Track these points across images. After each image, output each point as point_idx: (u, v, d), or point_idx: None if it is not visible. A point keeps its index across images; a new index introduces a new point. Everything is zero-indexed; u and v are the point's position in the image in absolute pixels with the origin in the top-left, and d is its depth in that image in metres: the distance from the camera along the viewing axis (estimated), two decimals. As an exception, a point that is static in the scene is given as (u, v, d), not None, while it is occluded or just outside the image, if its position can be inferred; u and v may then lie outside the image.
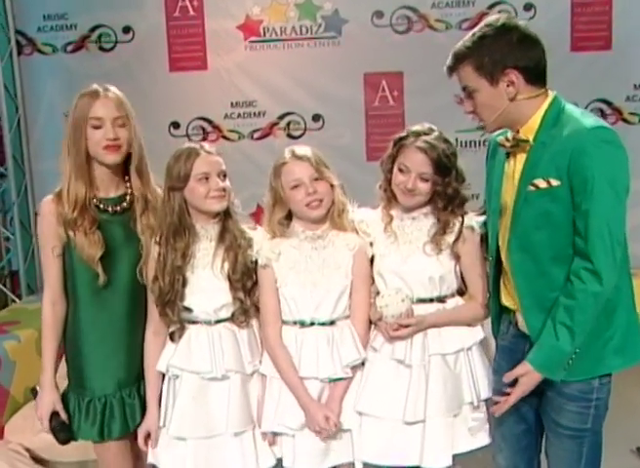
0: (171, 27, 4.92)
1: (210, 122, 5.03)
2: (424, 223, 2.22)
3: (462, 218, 2.19)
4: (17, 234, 5.03)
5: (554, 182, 1.88)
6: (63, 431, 2.24)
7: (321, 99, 4.93)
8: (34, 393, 2.29)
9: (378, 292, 2.21)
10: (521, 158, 1.98)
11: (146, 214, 2.25)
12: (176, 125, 5.01)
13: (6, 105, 4.89)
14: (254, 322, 2.26)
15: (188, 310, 2.21)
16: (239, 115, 5.00)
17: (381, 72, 4.89)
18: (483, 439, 2.24)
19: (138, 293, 2.25)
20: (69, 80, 4.70)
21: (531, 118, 1.94)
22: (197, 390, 2.20)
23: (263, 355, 2.25)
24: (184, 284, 2.19)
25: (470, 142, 4.74)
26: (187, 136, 4.97)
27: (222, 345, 2.19)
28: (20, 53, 4.99)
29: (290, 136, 4.99)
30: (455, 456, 2.20)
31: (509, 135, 2.00)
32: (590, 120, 1.90)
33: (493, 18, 1.97)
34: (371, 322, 2.24)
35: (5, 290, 5.13)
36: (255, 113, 4.99)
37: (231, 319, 2.22)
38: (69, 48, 4.99)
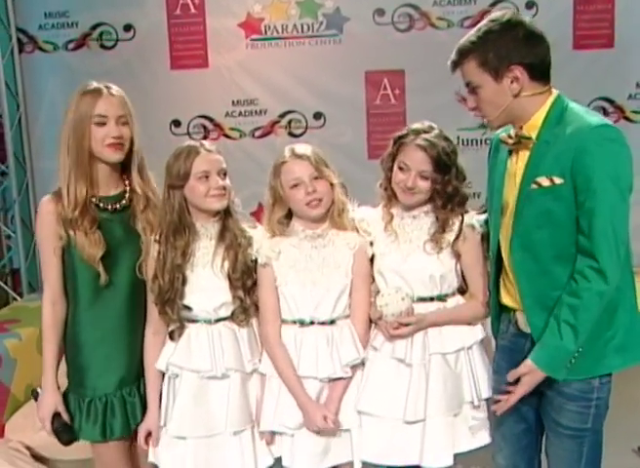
0: (172, 25, 4.91)
1: (211, 120, 5.02)
2: (425, 222, 2.21)
3: (462, 217, 2.19)
4: (18, 232, 5.03)
5: (557, 180, 1.87)
6: (66, 432, 2.23)
7: (322, 98, 4.92)
8: (35, 395, 2.28)
9: (378, 291, 2.21)
10: (523, 156, 1.97)
11: (147, 211, 2.24)
12: (177, 123, 5.01)
13: (7, 103, 4.89)
14: (253, 321, 2.26)
15: (188, 309, 2.20)
16: (240, 113, 5.00)
17: (383, 70, 4.87)
18: (484, 438, 2.23)
19: (138, 292, 2.24)
20: (70, 78, 4.69)
21: (534, 115, 1.93)
22: (197, 389, 2.20)
23: (263, 354, 2.25)
24: (184, 282, 2.19)
25: (472, 141, 4.74)
26: (188, 134, 4.97)
27: (222, 344, 2.19)
28: (21, 50, 4.99)
29: (291, 134, 4.98)
30: (455, 456, 2.20)
31: (512, 132, 1.99)
32: (594, 118, 1.89)
33: (498, 13, 1.95)
34: (371, 321, 2.23)
35: (6, 288, 5.13)
36: (256, 111, 4.99)
37: (231, 318, 2.22)
38: (70, 46, 4.99)
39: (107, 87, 2.19)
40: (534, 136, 1.93)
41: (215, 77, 4.95)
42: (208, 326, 2.21)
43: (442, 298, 2.21)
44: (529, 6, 4.68)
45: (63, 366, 2.32)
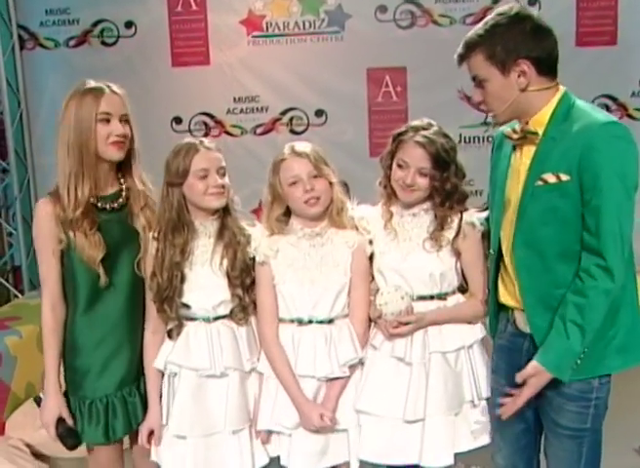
0: (173, 22, 4.90)
1: (212, 117, 5.01)
2: (424, 220, 2.20)
3: (461, 214, 2.17)
4: (19, 229, 5.03)
5: (564, 177, 1.86)
6: (71, 437, 2.20)
7: (324, 95, 4.90)
8: (38, 400, 2.25)
9: (377, 290, 2.20)
10: (528, 152, 1.96)
11: (145, 209, 2.23)
12: (178, 120, 5.00)
13: (8, 100, 4.88)
14: (252, 319, 2.25)
15: (186, 307, 2.19)
16: (242, 110, 4.99)
17: (385, 67, 4.86)
18: (484, 438, 2.22)
19: (137, 292, 2.23)
20: (72, 75, 4.67)
21: (540, 110, 1.92)
22: (195, 387, 2.19)
23: (261, 353, 2.24)
24: (183, 280, 2.18)
25: (474, 138, 4.73)
26: (190, 131, 4.96)
27: (221, 342, 2.18)
28: (22, 47, 4.98)
29: (292, 131, 4.97)
30: (456, 455, 2.19)
31: (517, 126, 1.98)
32: (601, 115, 1.88)
33: (506, 7, 1.94)
34: (371, 320, 2.22)
35: (7, 285, 5.13)
36: (257, 108, 4.97)
37: (230, 316, 2.21)
38: (72, 42, 4.98)
39: (108, 85, 2.17)
40: (540, 131, 1.92)
41: (216, 74, 4.94)
42: (206, 324, 2.20)
43: (442, 297, 2.20)
44: (532, 2, 4.67)
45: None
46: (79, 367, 2.23)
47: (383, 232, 2.22)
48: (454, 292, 2.23)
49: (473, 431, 2.21)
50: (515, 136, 1.98)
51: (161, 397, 2.25)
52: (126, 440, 2.35)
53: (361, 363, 2.21)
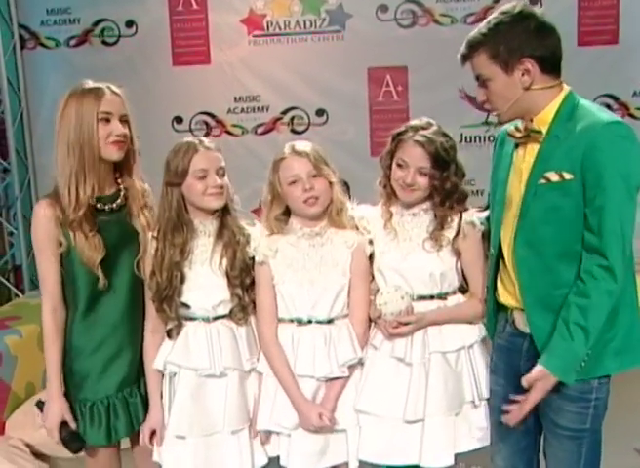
0: (174, 21, 4.90)
1: (213, 117, 5.00)
2: (424, 219, 2.20)
3: (461, 214, 2.16)
4: (20, 229, 5.02)
5: (567, 176, 1.85)
6: (75, 440, 2.19)
7: (325, 94, 4.89)
8: (40, 405, 2.23)
9: (377, 290, 2.19)
10: (531, 150, 1.95)
11: (144, 209, 2.23)
12: (179, 119, 4.99)
13: (9, 99, 4.87)
14: (252, 319, 2.24)
15: (186, 306, 2.19)
16: (242, 110, 4.98)
17: (386, 67, 4.84)
18: (485, 438, 2.21)
19: (137, 293, 2.23)
20: (72, 74, 4.66)
21: (544, 109, 1.91)
22: (195, 387, 2.18)
23: (261, 353, 2.23)
24: (182, 280, 2.17)
25: (475, 138, 4.72)
26: (191, 130, 4.95)
27: (221, 342, 2.17)
28: (23, 47, 4.97)
29: (294, 131, 4.96)
30: (456, 456, 2.18)
31: (520, 125, 1.97)
32: (606, 115, 1.88)
33: (509, 5, 1.93)
34: (371, 320, 2.21)
35: (8, 284, 5.13)
36: (258, 108, 4.97)
37: (229, 316, 2.20)
38: (72, 42, 4.98)
39: (108, 86, 2.16)
40: (544, 130, 1.91)
41: (217, 73, 4.93)
42: (206, 324, 2.19)
43: (442, 297, 2.19)
44: (533, 1, 4.65)
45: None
46: (80, 369, 2.21)
47: (383, 232, 2.21)
48: (454, 293, 2.22)
49: (474, 431, 2.20)
50: (518, 135, 1.97)
51: (162, 397, 2.24)
52: (125, 440, 2.34)
53: (361, 363, 2.20)
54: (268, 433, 2.22)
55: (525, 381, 1.90)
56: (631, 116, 4.77)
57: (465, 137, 4.64)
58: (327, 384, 2.18)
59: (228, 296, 2.18)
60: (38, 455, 3.47)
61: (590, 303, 1.83)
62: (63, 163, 2.12)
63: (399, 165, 2.15)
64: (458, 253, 2.19)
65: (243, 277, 2.19)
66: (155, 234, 2.19)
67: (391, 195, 2.22)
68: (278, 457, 2.23)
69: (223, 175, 2.18)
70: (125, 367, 2.23)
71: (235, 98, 4.96)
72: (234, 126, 5.00)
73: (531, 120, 1.93)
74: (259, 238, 2.21)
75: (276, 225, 2.21)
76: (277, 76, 4.90)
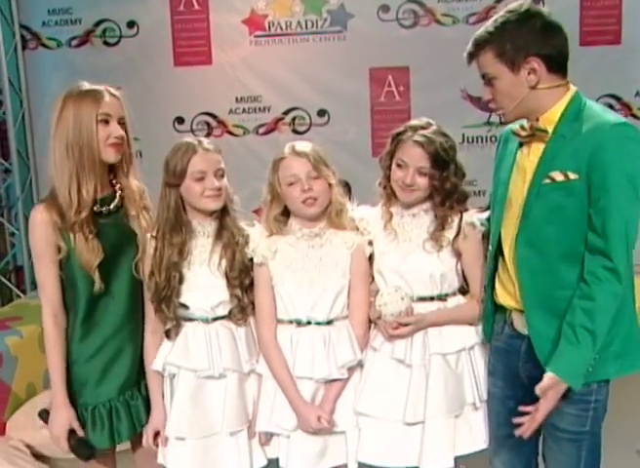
0: (175, 22, 4.90)
1: (215, 117, 5.00)
2: (424, 220, 2.19)
3: (461, 214, 2.15)
4: (21, 229, 5.01)
5: (572, 176, 1.84)
6: (84, 448, 2.16)
7: (326, 95, 4.89)
8: (44, 416, 2.19)
9: (377, 291, 2.18)
10: (536, 150, 1.94)
11: (142, 210, 2.22)
12: (180, 120, 4.99)
13: (10, 100, 4.87)
14: (251, 320, 2.23)
15: (185, 307, 2.18)
16: (244, 110, 4.98)
17: (387, 67, 4.84)
18: (485, 441, 2.20)
19: (137, 295, 2.21)
20: (74, 75, 4.64)
21: (550, 109, 1.90)
22: (194, 388, 2.18)
23: (260, 354, 2.22)
24: (181, 280, 2.16)
25: (476, 138, 4.71)
26: (192, 131, 4.95)
27: (220, 343, 2.17)
28: (24, 47, 4.98)
29: (295, 131, 4.95)
30: (456, 458, 2.17)
31: (526, 124, 1.96)
32: (612, 116, 1.87)
33: (516, 3, 1.92)
34: (370, 321, 2.20)
35: (10, 285, 5.13)
36: (260, 108, 4.96)
37: (229, 317, 2.20)
38: (74, 42, 4.98)
39: (106, 88, 2.15)
40: (550, 129, 1.90)
41: (218, 74, 4.93)
42: (205, 324, 2.19)
43: (442, 298, 2.18)
44: (535, 1, 4.63)
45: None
46: (81, 374, 2.20)
47: (383, 233, 2.21)
48: (454, 294, 2.21)
49: (474, 434, 2.19)
50: (524, 133, 1.96)
51: (163, 397, 2.23)
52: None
53: (360, 365, 2.19)
54: (269, 435, 2.21)
55: (539, 390, 1.86)
56: (634, 116, 4.76)
57: (467, 138, 4.64)
58: (326, 386, 2.17)
59: (227, 297, 2.18)
60: (38, 456, 3.46)
61: (596, 306, 1.81)
62: (62, 165, 2.10)
63: (399, 165, 2.14)
64: (458, 254, 2.18)
65: (242, 278, 2.18)
66: (154, 234, 2.18)
67: (391, 196, 2.21)
68: (278, 459, 2.22)
69: (222, 177, 2.17)
70: (126, 369, 2.22)
71: (237, 99, 4.96)
72: (236, 126, 5.00)
73: (537, 119, 1.92)
74: (257, 239, 2.20)
75: (275, 226, 2.20)
76: (279, 76, 4.90)
